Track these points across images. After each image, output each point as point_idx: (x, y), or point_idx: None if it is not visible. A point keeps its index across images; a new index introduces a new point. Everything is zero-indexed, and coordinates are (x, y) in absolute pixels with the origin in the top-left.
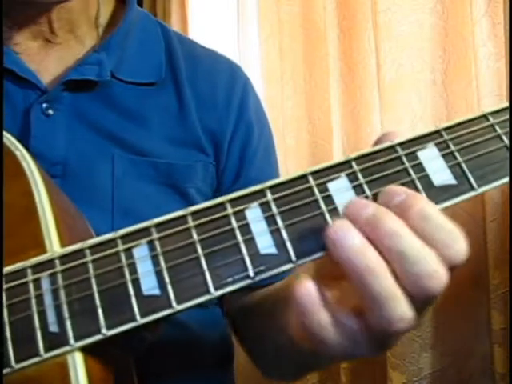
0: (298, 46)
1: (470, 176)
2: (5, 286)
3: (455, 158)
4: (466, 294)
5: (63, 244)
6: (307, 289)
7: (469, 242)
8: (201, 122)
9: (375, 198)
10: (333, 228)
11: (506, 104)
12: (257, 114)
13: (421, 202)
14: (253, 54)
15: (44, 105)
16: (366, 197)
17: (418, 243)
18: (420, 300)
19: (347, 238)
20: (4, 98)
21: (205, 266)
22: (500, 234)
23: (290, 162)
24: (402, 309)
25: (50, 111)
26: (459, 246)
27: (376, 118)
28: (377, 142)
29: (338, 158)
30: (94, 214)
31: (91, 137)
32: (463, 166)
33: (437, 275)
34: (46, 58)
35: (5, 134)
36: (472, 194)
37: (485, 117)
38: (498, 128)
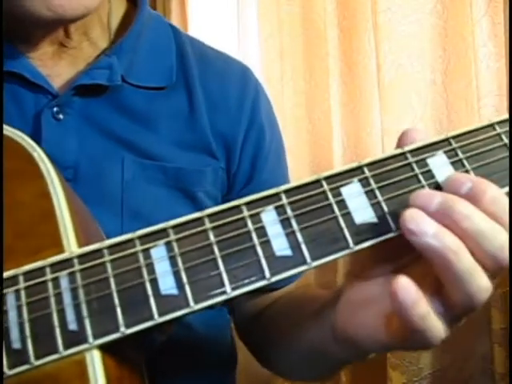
0: (298, 46)
1: None
2: (24, 285)
3: (463, 165)
4: None
5: (80, 245)
6: (404, 284)
7: None
8: (211, 125)
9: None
10: (407, 218)
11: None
12: (268, 117)
13: (491, 187)
14: (253, 54)
15: (55, 109)
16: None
17: (490, 221)
18: (493, 271)
19: (423, 225)
20: (15, 102)
21: (222, 267)
22: None
23: (290, 162)
24: (483, 280)
25: (61, 115)
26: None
27: (376, 117)
28: (400, 141)
29: (338, 157)
30: (104, 218)
31: (101, 141)
32: (471, 173)
33: (507, 247)
34: (58, 63)
35: (21, 135)
36: None
37: (492, 126)
38: (504, 137)
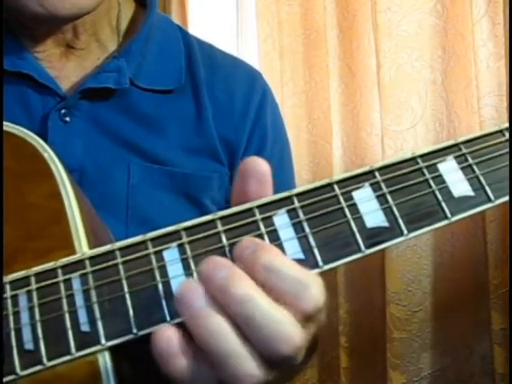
0: (298, 45)
1: (487, 188)
2: (36, 286)
3: (473, 171)
4: (466, 294)
5: (90, 246)
6: (167, 335)
7: (468, 243)
8: (217, 130)
9: None
10: (181, 288)
11: None
12: (273, 123)
13: (266, 254)
14: (252, 54)
15: (62, 111)
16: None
17: (266, 306)
18: (273, 361)
19: (191, 300)
20: (22, 103)
21: None
22: (500, 234)
23: None
24: (246, 367)
25: (68, 118)
26: (310, 293)
27: (376, 117)
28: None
29: (338, 157)
30: (108, 223)
31: (108, 144)
32: (481, 178)
33: (287, 338)
34: (66, 65)
35: (32, 134)
36: (489, 205)
37: (501, 132)
38: None
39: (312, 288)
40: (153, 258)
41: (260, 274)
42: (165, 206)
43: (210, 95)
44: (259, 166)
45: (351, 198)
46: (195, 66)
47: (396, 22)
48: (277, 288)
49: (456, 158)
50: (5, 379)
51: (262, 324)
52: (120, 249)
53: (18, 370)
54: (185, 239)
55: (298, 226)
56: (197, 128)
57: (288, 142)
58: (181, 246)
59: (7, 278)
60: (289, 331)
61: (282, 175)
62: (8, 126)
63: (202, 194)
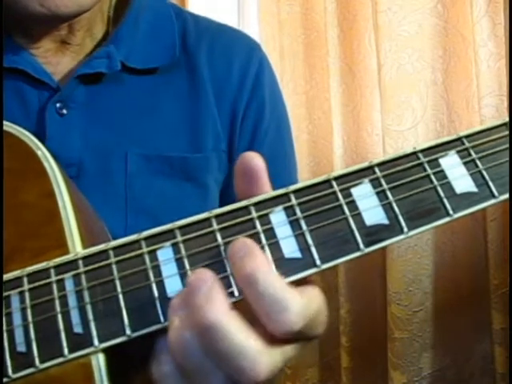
0: (299, 46)
1: (491, 184)
2: (28, 286)
3: (476, 165)
4: (466, 293)
5: (85, 245)
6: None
7: (469, 242)
8: (218, 103)
9: None
10: (172, 301)
11: None
12: (271, 93)
13: (252, 264)
14: None
15: (58, 104)
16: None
17: (233, 333)
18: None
19: (173, 310)
20: (19, 99)
21: (229, 270)
22: (500, 234)
23: None
24: (213, 379)
25: (64, 111)
26: (284, 317)
27: (377, 117)
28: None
29: (338, 157)
30: (108, 213)
31: (105, 135)
32: (484, 173)
33: (251, 367)
34: (62, 60)
35: (26, 133)
36: (493, 201)
37: (505, 125)
38: None
39: (289, 311)
40: (146, 257)
41: (242, 283)
42: (164, 193)
43: (209, 69)
44: (251, 161)
45: (350, 195)
46: (190, 42)
47: (397, 22)
48: (253, 303)
49: (458, 152)
50: None
51: (227, 351)
52: (113, 248)
53: (10, 372)
54: (179, 238)
55: (295, 224)
56: (194, 105)
57: (286, 112)
58: (175, 245)
59: None
60: (253, 361)
61: (282, 149)
62: (5, 125)
63: (204, 175)
